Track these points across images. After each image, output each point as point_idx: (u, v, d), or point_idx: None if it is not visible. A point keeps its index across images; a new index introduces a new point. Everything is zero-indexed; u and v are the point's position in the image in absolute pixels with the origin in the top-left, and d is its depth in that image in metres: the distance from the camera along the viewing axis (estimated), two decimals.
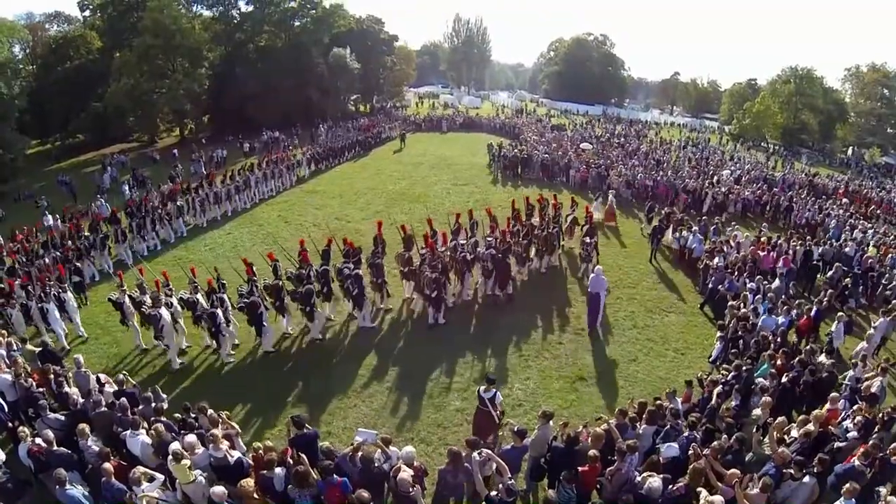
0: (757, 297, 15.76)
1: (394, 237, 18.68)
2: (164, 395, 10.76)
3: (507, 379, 13.91)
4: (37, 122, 45.88)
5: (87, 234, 22.50)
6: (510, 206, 22.42)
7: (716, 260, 18.40)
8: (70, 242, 21.79)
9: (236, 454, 8.77)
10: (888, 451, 9.15)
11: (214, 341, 14.91)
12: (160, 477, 8.16)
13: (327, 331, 16.20)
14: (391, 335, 16.20)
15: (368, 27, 64.95)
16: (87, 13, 54.24)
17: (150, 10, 45.75)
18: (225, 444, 8.61)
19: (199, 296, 15.28)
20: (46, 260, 20.02)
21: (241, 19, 56.68)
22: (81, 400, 10.33)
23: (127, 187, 33.35)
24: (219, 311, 14.35)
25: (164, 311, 14.19)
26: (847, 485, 8.17)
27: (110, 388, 10.88)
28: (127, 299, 14.97)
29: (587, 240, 19.84)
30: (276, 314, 15.67)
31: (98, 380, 11.26)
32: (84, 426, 8.96)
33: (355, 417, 12.35)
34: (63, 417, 9.89)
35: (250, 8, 56.35)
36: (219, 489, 7.46)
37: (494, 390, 10.65)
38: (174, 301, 14.95)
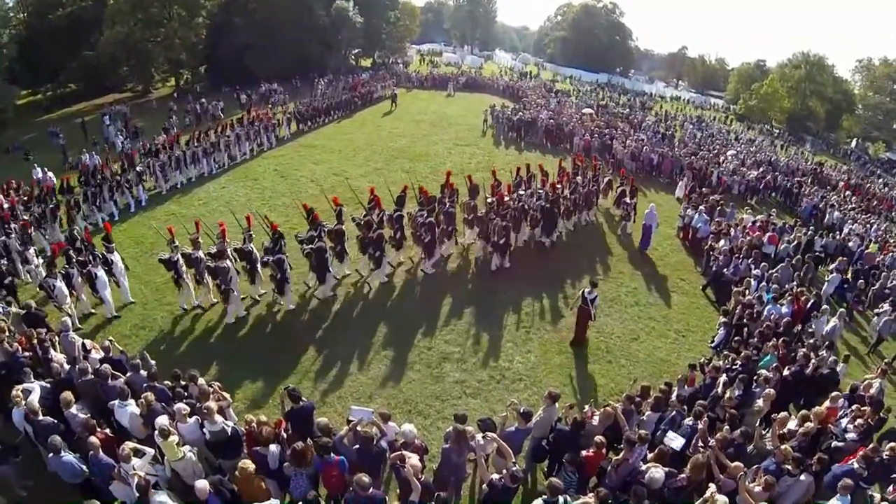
0: (762, 285, 15.59)
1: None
2: (153, 363, 10.32)
3: (508, 352, 13.77)
4: (27, 71, 44.12)
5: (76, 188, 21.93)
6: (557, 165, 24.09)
7: (721, 243, 18.21)
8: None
9: (231, 424, 8.47)
10: (884, 452, 9.11)
11: (277, 290, 14.77)
12: (149, 451, 7.82)
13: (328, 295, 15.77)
14: (383, 299, 15.94)
15: None
16: None
17: None
18: (219, 418, 8.28)
19: (251, 245, 14.96)
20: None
21: None
22: (67, 367, 9.96)
23: (120, 139, 32.49)
24: (285, 258, 14.49)
25: (230, 263, 14.07)
26: (843, 481, 8.20)
27: (96, 355, 10.43)
28: (180, 257, 14.25)
29: (627, 200, 21.31)
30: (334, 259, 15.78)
31: (83, 346, 10.85)
32: (68, 395, 8.64)
33: (351, 388, 12.13)
34: (48, 385, 9.44)
35: None
36: (201, 484, 7.07)
37: (596, 293, 13.98)
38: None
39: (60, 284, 13.44)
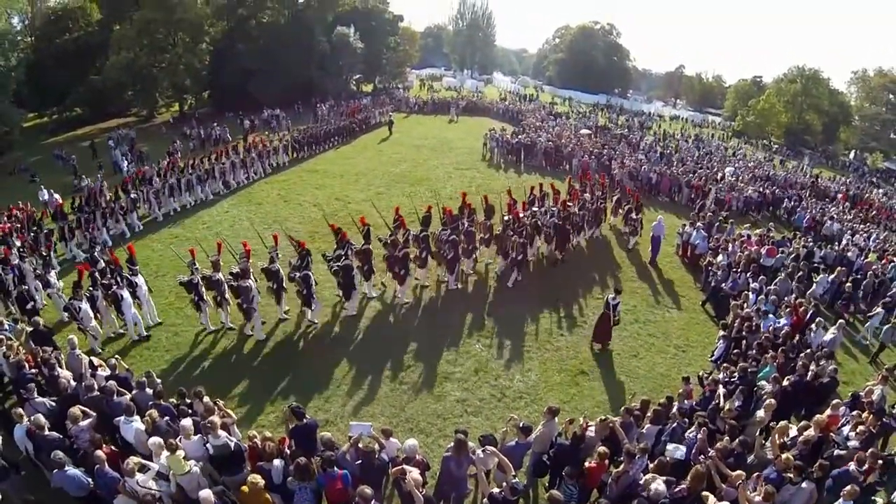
0: (760, 297, 15.68)
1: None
2: (159, 381, 10.47)
3: (509, 371, 13.85)
4: (34, 94, 44.42)
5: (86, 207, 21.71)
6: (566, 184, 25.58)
7: (719, 258, 18.37)
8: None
9: (234, 440, 8.59)
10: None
11: (306, 305, 15.12)
12: (154, 466, 7.93)
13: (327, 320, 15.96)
14: (391, 323, 15.99)
15: (373, 7, 63.89)
16: None
17: None
18: (223, 433, 8.39)
19: (277, 265, 15.18)
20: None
21: None
22: (73, 384, 10.05)
23: (125, 163, 32.72)
24: (311, 274, 14.91)
25: (252, 282, 14.32)
26: (847, 487, 8.30)
27: (103, 373, 10.54)
28: (199, 279, 14.44)
29: (633, 216, 22.25)
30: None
31: (91, 363, 10.99)
32: (77, 410, 8.74)
33: (354, 405, 12.20)
34: (53, 402, 9.56)
35: None
36: (205, 493, 7.17)
37: (619, 299, 15.03)
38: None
39: (86, 306, 13.49)
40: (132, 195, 23.06)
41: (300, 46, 51.86)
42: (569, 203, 21.56)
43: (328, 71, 54.95)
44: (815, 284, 18.32)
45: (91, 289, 14.06)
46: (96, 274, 14.68)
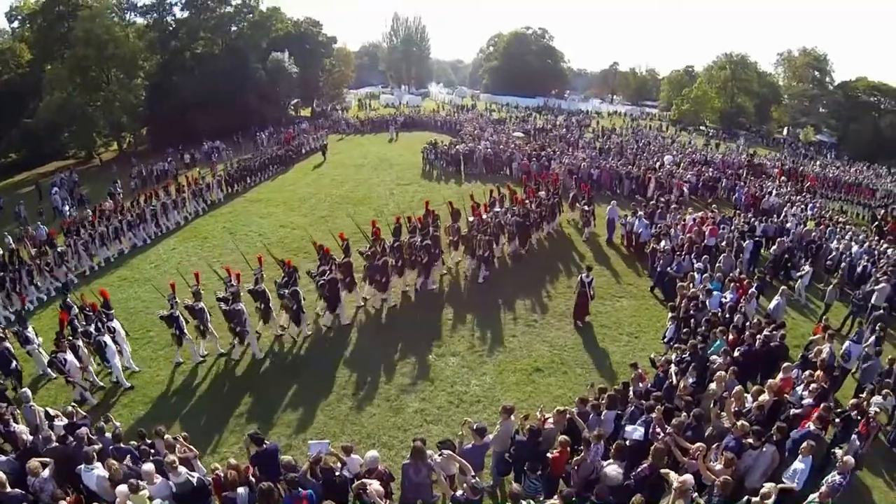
0: (705, 276, 16.09)
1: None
2: (118, 424, 10.32)
3: (464, 376, 13.99)
4: None
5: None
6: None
7: (662, 243, 18.80)
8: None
9: (196, 475, 8.53)
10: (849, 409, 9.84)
11: (294, 322, 15.71)
12: None
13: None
14: (341, 340, 16.05)
15: (306, 30, 63.90)
16: (15, 24, 51.72)
17: (81, 19, 44.16)
18: (183, 469, 8.34)
19: (263, 285, 15.45)
20: None
21: (176, 26, 54.97)
22: (30, 437, 9.85)
23: (67, 206, 31.81)
24: (300, 290, 15.63)
25: (243, 305, 14.54)
26: (804, 444, 8.63)
27: (60, 423, 10.34)
28: (182, 311, 14.40)
29: (586, 207, 23.56)
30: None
31: (47, 414, 10.73)
32: (35, 462, 8.55)
33: (315, 427, 12.21)
34: (13, 458, 9.30)
35: (185, 14, 54.87)
36: None
37: (592, 276, 16.35)
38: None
39: (71, 357, 13.10)
40: (59, 248, 21.49)
41: (236, 75, 51.61)
42: (527, 202, 22.70)
43: (266, 98, 54.69)
44: (732, 249, 18.94)
45: (71, 338, 13.71)
46: (75, 322, 14.45)
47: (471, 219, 20.66)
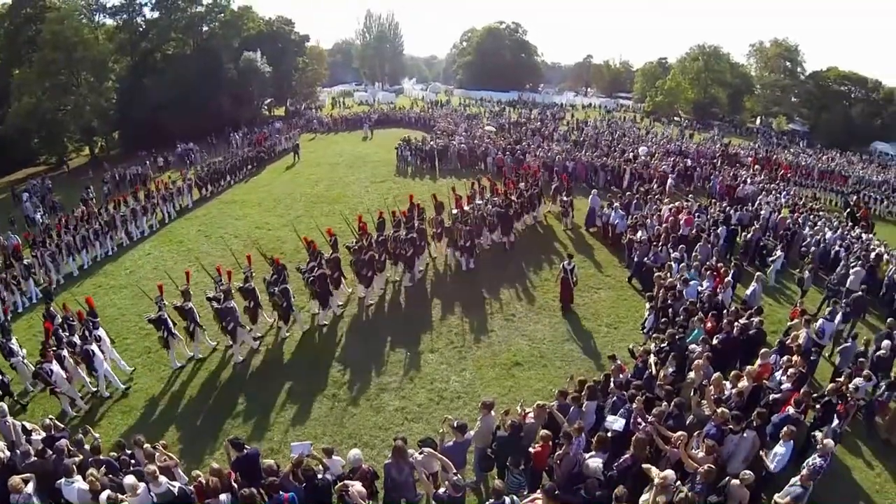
0: (682, 266, 16.18)
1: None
2: (97, 435, 10.14)
3: (444, 373, 13.98)
4: None
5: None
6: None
7: (639, 234, 18.88)
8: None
9: (177, 485, 8.39)
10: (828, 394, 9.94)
11: (282, 320, 15.95)
12: None
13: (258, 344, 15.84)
14: (319, 340, 16.02)
15: (278, 29, 63.52)
16: None
17: (49, 21, 43.25)
18: (164, 479, 8.21)
19: (252, 283, 15.56)
20: None
21: (146, 27, 54.24)
22: (8, 453, 9.55)
23: (38, 214, 31.10)
24: (289, 287, 15.76)
25: (234, 303, 14.69)
26: (784, 429, 8.76)
27: (37, 436, 10.14)
28: (169, 312, 14.45)
29: (564, 198, 23.83)
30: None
31: (24, 428, 10.47)
32: (16, 479, 8.29)
33: (296, 429, 12.13)
34: None
35: (156, 14, 54.06)
36: None
37: (574, 263, 17.00)
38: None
39: (57, 369, 12.78)
40: (25, 261, 20.69)
41: (208, 76, 51.13)
42: (508, 193, 23.29)
43: (239, 98, 54.24)
44: (712, 236, 19.28)
45: (56, 348, 13.38)
46: (60, 332, 14.19)
47: (454, 211, 21.31)
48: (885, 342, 12.27)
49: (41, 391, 13.83)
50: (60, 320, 15.12)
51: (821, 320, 13.54)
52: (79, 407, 13.24)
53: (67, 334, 14.27)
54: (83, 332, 14.11)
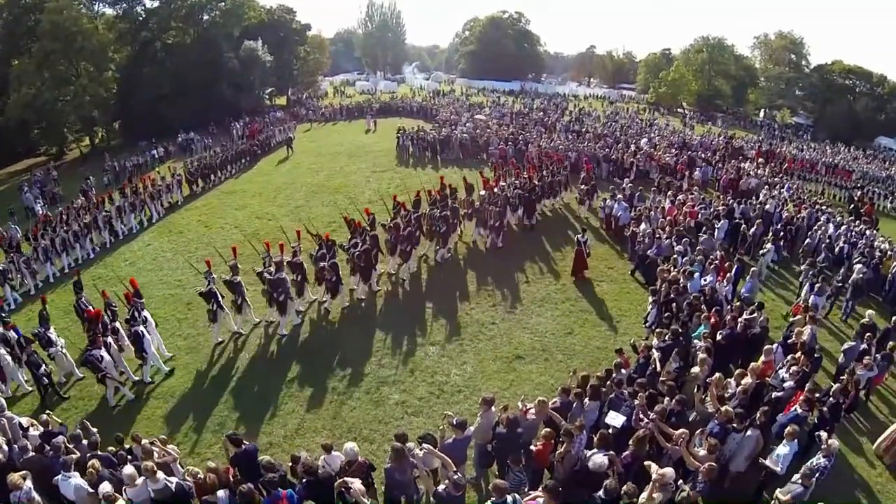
0: (686, 259, 16.09)
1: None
2: (95, 430, 10.06)
3: (444, 366, 13.89)
4: None
5: None
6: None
7: (642, 226, 18.77)
8: None
9: (175, 480, 8.35)
10: (830, 395, 9.94)
11: (330, 294, 16.25)
12: None
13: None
14: (321, 331, 15.96)
15: (280, 17, 63.19)
16: None
17: (48, 11, 42.61)
18: (161, 474, 8.15)
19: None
20: None
21: (146, 16, 53.62)
22: (6, 449, 9.49)
23: (38, 206, 30.89)
24: (338, 263, 16.35)
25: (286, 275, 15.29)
26: (788, 428, 8.69)
27: (35, 432, 10.07)
28: (219, 286, 15.02)
29: (583, 187, 24.34)
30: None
31: (20, 425, 10.35)
32: (14, 476, 8.20)
33: (295, 424, 12.04)
34: None
35: (156, 3, 53.56)
36: None
37: (587, 236, 18.59)
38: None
39: (106, 354, 12.76)
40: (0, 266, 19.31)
41: (209, 65, 50.92)
42: (531, 177, 24.10)
43: (239, 87, 53.85)
44: (716, 230, 19.31)
45: (99, 332, 13.31)
46: (106, 318, 14.17)
47: (482, 192, 22.01)
48: None
49: (78, 381, 13.90)
50: (104, 305, 14.95)
51: (812, 296, 14.14)
52: (122, 394, 13.21)
53: (111, 320, 14.32)
54: (132, 313, 14.05)
